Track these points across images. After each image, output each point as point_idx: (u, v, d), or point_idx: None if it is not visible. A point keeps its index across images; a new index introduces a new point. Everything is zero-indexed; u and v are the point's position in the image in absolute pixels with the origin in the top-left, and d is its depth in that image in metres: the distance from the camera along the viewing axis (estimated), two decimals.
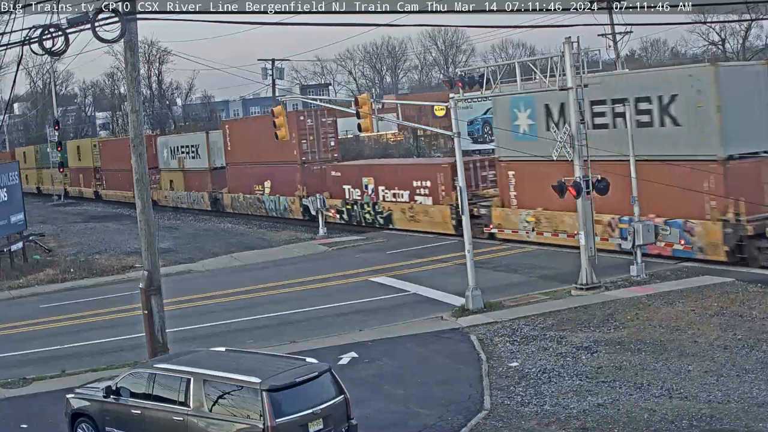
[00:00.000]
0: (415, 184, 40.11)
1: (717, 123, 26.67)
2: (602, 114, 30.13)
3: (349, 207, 44.06)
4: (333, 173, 45.34)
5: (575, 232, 28.89)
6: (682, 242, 27.75)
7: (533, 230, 33.28)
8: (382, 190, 42.02)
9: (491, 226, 35.32)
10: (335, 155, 47.57)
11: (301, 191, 46.90)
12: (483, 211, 36.30)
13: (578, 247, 26.45)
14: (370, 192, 42.74)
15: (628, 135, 26.95)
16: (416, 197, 40.01)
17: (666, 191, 27.63)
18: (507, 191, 34.70)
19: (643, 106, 28.76)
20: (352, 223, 43.95)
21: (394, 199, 41.35)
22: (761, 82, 27.95)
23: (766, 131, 27.75)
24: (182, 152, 57.30)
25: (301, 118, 46.68)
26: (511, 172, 34.24)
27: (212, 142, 54.89)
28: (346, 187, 43.54)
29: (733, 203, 26.68)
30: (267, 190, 49.86)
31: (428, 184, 39.30)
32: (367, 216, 43.00)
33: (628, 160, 26.91)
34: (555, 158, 26.70)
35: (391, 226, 41.73)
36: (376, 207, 42.41)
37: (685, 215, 27.88)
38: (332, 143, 46.96)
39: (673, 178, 27.34)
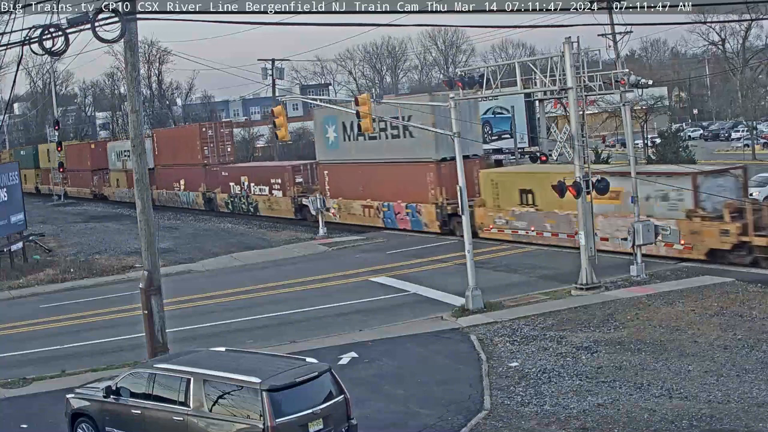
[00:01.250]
0: (272, 181, 50.79)
1: (433, 136, 35.51)
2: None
3: (232, 199, 54.93)
4: (223, 173, 55.88)
5: (359, 213, 43.11)
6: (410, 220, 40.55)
7: (338, 213, 45.00)
8: (253, 186, 52.89)
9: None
10: (231, 159, 58.41)
11: (203, 188, 57.95)
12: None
13: (364, 225, 39.99)
14: (245, 187, 53.53)
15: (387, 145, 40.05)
16: (273, 191, 50.67)
17: (408, 183, 39.91)
18: (324, 186, 46.21)
19: (395, 123, 39.19)
20: (234, 211, 54.66)
21: (259, 193, 52.01)
22: (470, 109, 37.82)
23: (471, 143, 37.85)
24: (125, 156, 65.07)
25: (203, 129, 58.42)
26: (326, 172, 45.98)
27: (146, 147, 60.98)
28: (231, 183, 54.77)
29: (441, 191, 38.01)
30: (182, 187, 60.69)
31: (279, 181, 50.08)
32: (243, 206, 53.92)
33: (393, 162, 39.77)
34: (555, 158, 26.78)
35: (258, 214, 52.23)
36: (248, 199, 53.26)
37: (416, 200, 39.67)
38: (228, 149, 58.22)
39: (411, 174, 39.64)
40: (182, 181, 59.78)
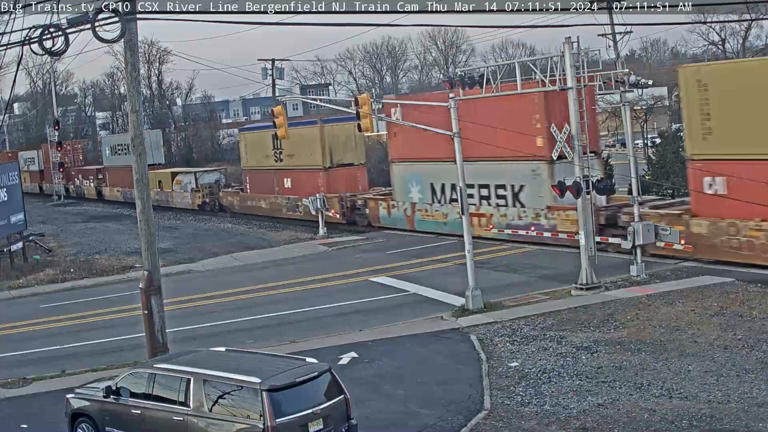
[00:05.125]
0: (90, 177, 79.67)
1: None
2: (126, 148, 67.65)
3: (76, 188, 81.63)
4: (72, 172, 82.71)
5: (117, 195, 71.75)
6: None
7: (111, 195, 71.81)
8: (83, 180, 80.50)
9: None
10: (82, 164, 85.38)
11: (64, 181, 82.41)
12: (105, 189, 75.61)
13: (118, 201, 68.90)
14: (80, 181, 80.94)
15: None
16: (91, 183, 78.62)
17: (131, 178, 60.42)
18: (107, 180, 74.66)
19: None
20: (78, 196, 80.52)
21: (85, 184, 79.37)
22: (156, 137, 70.91)
23: (155, 154, 66.14)
24: (28, 162, 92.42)
25: (66, 146, 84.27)
26: (106, 172, 74.39)
27: (40, 156, 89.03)
28: (75, 179, 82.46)
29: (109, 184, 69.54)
30: (57, 181, 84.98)
31: (91, 177, 78.91)
32: (80, 192, 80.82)
33: (128, 167, 59.05)
34: (554, 158, 26.86)
35: (85, 197, 78.69)
36: (81, 188, 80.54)
37: (130, 188, 63.54)
38: (80, 157, 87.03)
39: (131, 173, 64.75)
40: (57, 178, 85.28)
